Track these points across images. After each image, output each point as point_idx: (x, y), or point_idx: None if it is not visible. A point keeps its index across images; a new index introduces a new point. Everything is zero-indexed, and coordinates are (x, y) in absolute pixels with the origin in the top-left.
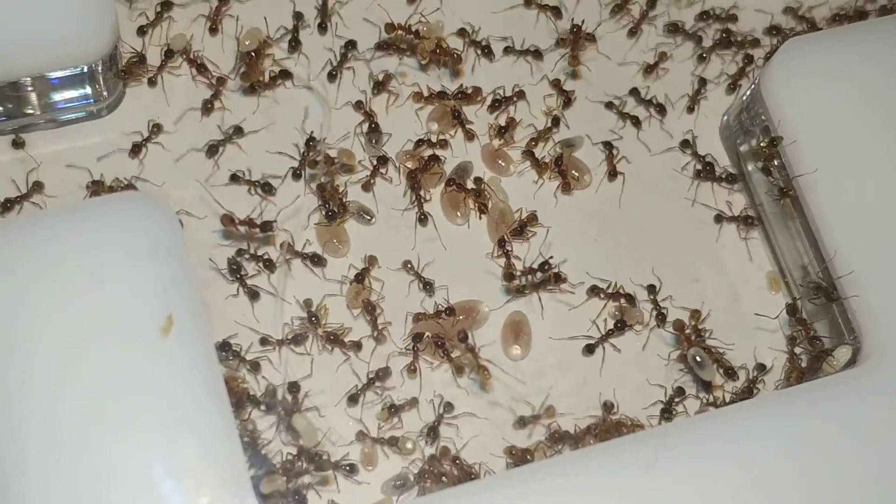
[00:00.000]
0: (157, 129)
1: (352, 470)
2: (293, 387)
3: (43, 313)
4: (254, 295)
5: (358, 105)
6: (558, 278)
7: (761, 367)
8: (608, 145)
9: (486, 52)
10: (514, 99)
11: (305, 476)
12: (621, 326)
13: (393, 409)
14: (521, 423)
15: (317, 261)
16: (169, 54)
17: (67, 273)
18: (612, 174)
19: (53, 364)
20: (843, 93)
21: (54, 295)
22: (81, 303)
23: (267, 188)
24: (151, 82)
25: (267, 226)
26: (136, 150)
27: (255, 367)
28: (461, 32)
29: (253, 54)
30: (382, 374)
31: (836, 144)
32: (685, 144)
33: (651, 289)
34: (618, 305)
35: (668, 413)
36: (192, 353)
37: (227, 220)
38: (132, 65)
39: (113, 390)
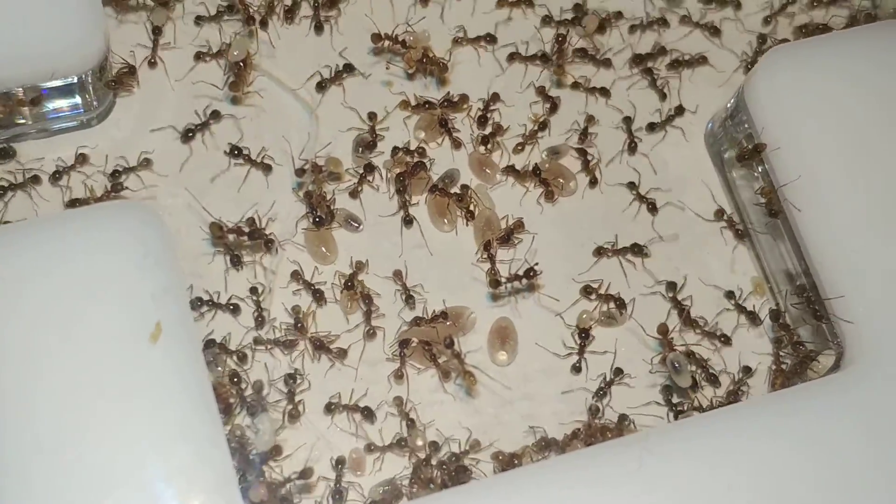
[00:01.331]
0: (215, 114)
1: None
2: (291, 377)
3: (31, 321)
4: (235, 309)
5: (371, 116)
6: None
7: (746, 370)
8: (582, 152)
9: (490, 39)
10: (491, 104)
11: (290, 484)
12: (585, 335)
13: (410, 423)
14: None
15: (318, 296)
16: (157, 31)
17: (56, 281)
18: (593, 182)
19: (42, 371)
20: (827, 101)
21: (43, 303)
22: (70, 310)
23: (269, 244)
24: (151, 64)
25: (255, 234)
26: (186, 136)
27: (242, 358)
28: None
29: (241, 64)
30: (367, 413)
31: (820, 152)
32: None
33: (671, 286)
34: (606, 310)
35: (677, 411)
36: (181, 360)
37: (216, 228)
38: (122, 75)
39: (101, 397)
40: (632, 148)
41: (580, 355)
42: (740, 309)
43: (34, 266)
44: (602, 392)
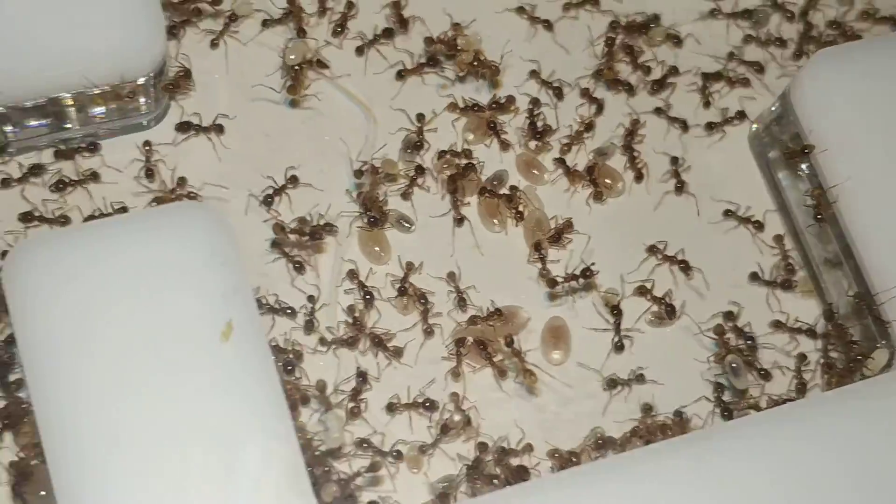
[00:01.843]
0: (218, 128)
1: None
2: (362, 375)
3: (106, 320)
4: (292, 313)
5: (419, 118)
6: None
7: (802, 357)
8: (629, 149)
9: (558, 93)
10: (534, 109)
11: (358, 479)
12: (618, 312)
13: (462, 419)
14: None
15: (369, 299)
16: (233, 17)
17: (129, 280)
18: (638, 177)
19: (116, 370)
20: (874, 103)
21: (117, 302)
22: (143, 309)
23: (330, 228)
24: (214, 44)
25: (316, 233)
26: (182, 127)
27: (297, 355)
28: (532, 73)
29: (298, 68)
30: (430, 405)
31: (868, 153)
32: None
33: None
34: (657, 311)
35: (727, 412)
36: (252, 358)
37: (279, 228)
38: (179, 78)
39: (174, 395)
40: (678, 188)
41: (617, 333)
42: (771, 284)
43: (105, 267)
44: (613, 383)
